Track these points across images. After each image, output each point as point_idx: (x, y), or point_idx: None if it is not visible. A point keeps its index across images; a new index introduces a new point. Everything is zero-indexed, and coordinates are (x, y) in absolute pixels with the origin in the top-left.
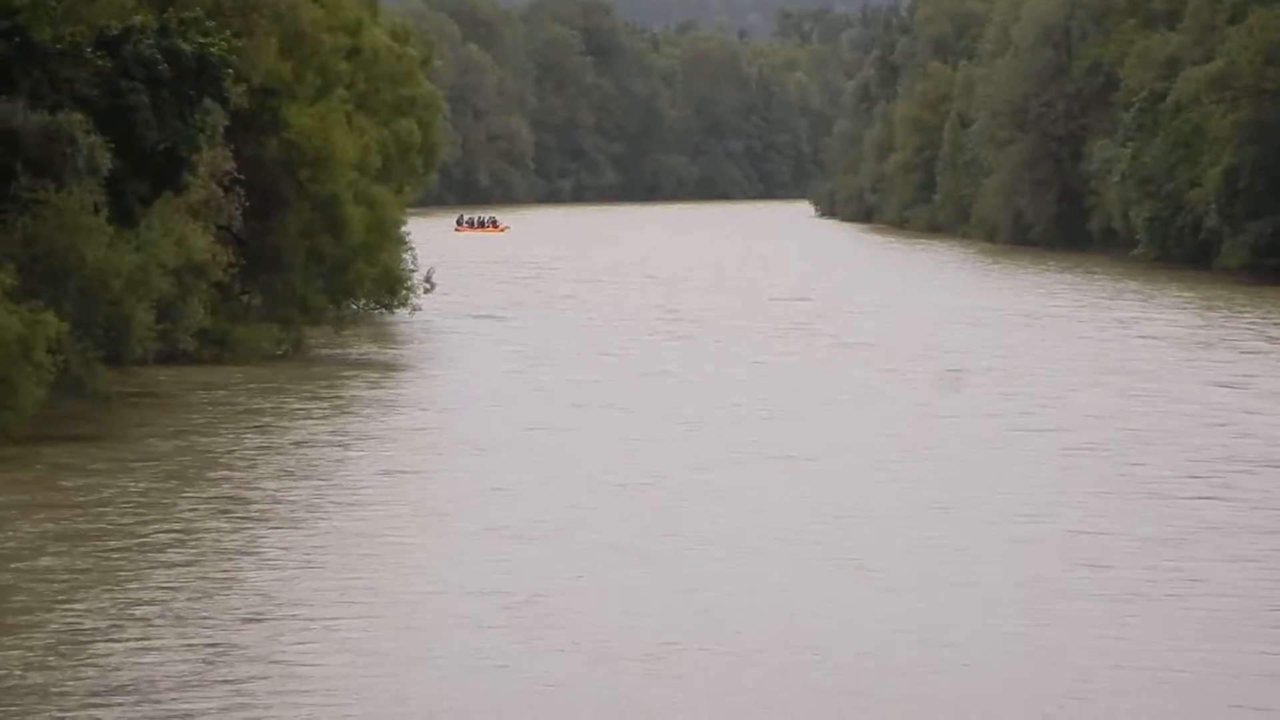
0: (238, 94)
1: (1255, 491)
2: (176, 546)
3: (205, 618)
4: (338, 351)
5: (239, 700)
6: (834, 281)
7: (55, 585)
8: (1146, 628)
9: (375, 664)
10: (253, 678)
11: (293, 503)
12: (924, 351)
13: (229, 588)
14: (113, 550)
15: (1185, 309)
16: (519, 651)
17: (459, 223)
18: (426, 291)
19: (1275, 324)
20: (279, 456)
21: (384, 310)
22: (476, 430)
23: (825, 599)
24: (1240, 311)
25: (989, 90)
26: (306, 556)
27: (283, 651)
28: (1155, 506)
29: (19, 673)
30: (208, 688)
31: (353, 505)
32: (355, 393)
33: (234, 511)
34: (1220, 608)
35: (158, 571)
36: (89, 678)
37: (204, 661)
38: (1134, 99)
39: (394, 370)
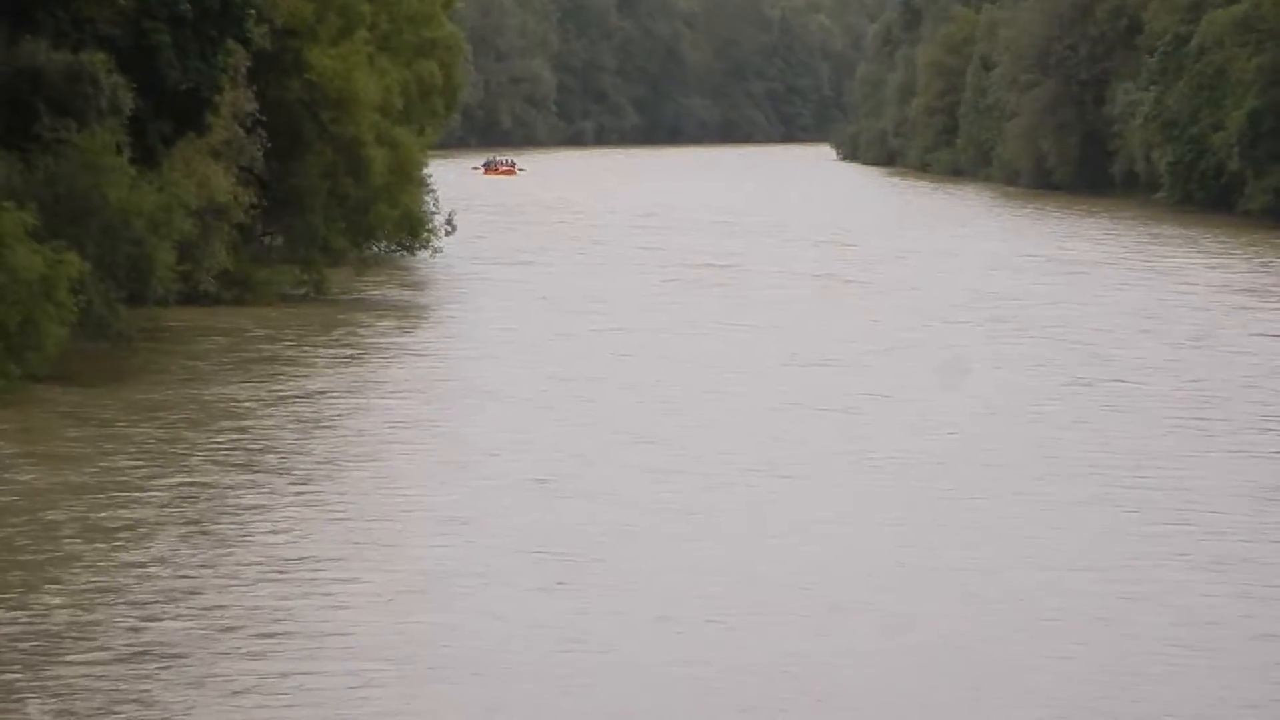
0: (260, 35)
1: None
2: (193, 500)
3: (223, 574)
4: (358, 294)
5: (260, 656)
6: (864, 226)
7: (65, 541)
8: (1236, 590)
9: (400, 623)
10: (273, 636)
11: (312, 454)
12: (966, 300)
13: (246, 543)
14: (126, 503)
15: (1230, 254)
16: (553, 609)
17: (486, 166)
18: (448, 234)
19: None
20: (298, 406)
21: (405, 252)
22: (500, 378)
23: (883, 560)
24: None
25: (1012, 33)
26: (326, 510)
27: (304, 610)
28: (1232, 462)
29: (26, 635)
30: (227, 648)
31: (372, 458)
32: (375, 338)
33: (252, 464)
34: None
35: (173, 526)
36: (101, 640)
37: (222, 621)
38: (1157, 42)
39: (415, 314)
